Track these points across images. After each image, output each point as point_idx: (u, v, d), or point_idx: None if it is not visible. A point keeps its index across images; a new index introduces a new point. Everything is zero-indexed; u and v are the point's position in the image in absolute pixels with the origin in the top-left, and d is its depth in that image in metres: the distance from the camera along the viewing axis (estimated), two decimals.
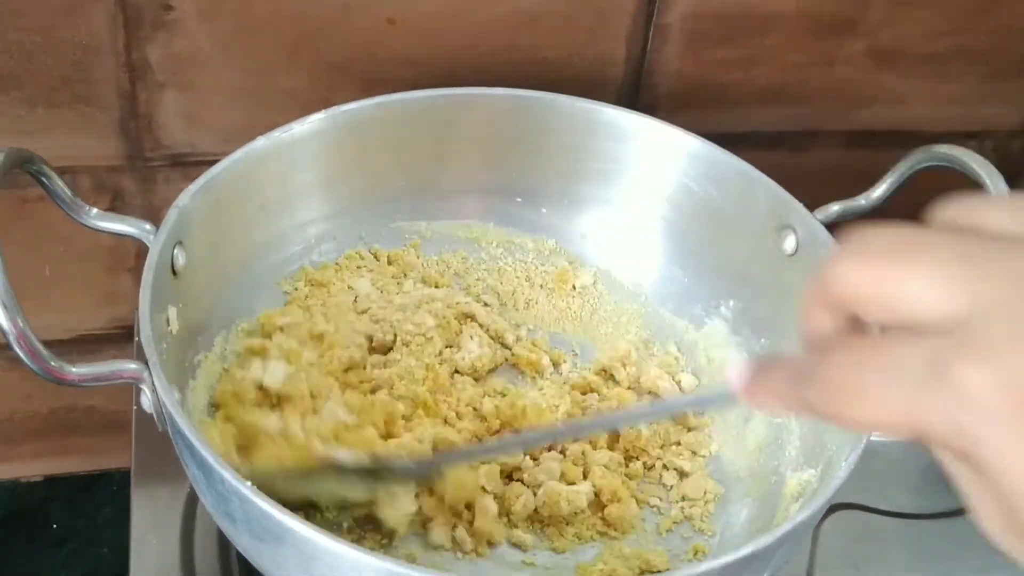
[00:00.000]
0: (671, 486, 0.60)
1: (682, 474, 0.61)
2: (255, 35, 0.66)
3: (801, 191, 0.62)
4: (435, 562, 0.55)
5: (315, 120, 0.63)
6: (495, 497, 0.57)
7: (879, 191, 0.61)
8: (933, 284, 0.24)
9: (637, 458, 0.61)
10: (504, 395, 0.63)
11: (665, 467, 0.61)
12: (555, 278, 0.70)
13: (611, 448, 0.61)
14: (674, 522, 0.59)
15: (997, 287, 0.24)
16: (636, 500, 0.59)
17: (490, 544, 0.56)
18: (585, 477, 0.59)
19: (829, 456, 0.54)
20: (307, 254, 0.67)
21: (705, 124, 0.67)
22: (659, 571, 0.55)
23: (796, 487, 0.56)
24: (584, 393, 0.64)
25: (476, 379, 0.64)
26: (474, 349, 0.64)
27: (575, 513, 0.57)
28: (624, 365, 0.65)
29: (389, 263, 0.69)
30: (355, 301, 0.66)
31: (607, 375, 0.66)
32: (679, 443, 0.62)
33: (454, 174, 0.69)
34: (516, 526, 0.57)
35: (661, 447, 0.62)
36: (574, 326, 0.69)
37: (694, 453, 0.62)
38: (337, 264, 0.67)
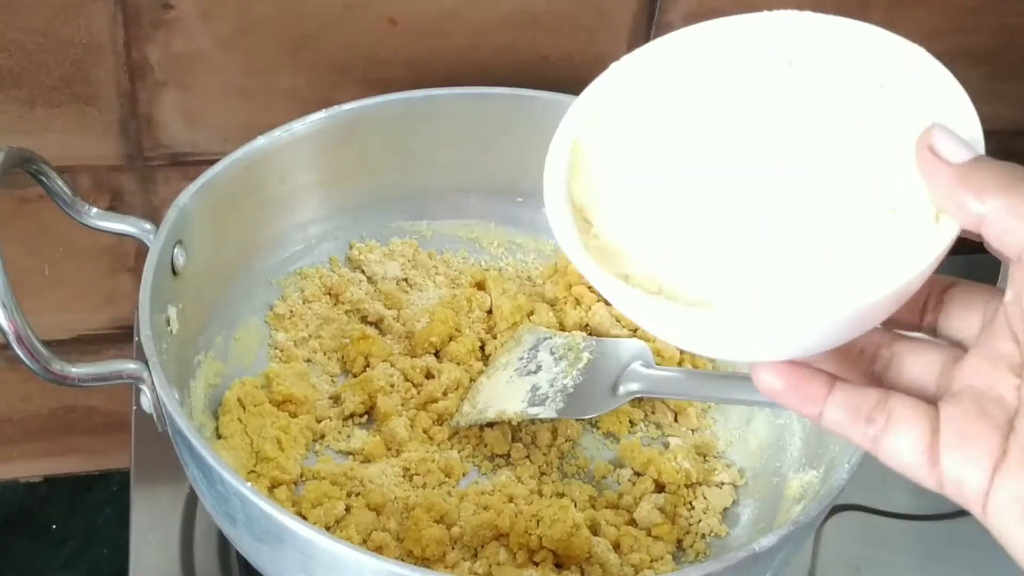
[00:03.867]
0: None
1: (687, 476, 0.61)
2: (255, 34, 0.66)
3: None
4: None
5: (315, 120, 0.62)
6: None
7: None
8: None
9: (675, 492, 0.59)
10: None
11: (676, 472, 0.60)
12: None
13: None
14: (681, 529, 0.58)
15: None
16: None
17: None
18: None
19: (831, 457, 0.54)
20: (307, 254, 0.67)
21: None
22: (662, 572, 0.55)
23: (798, 488, 0.56)
24: None
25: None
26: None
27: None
28: None
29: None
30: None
31: None
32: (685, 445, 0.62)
33: (454, 174, 0.69)
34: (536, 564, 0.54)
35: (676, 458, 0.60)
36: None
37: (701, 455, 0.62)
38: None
